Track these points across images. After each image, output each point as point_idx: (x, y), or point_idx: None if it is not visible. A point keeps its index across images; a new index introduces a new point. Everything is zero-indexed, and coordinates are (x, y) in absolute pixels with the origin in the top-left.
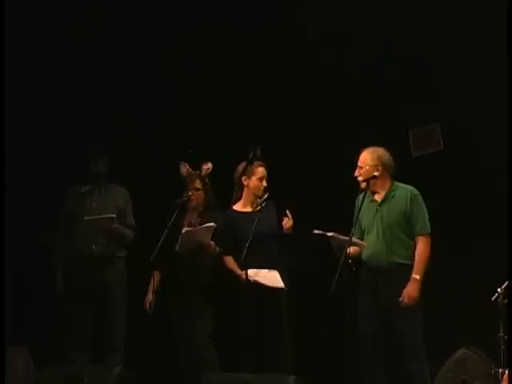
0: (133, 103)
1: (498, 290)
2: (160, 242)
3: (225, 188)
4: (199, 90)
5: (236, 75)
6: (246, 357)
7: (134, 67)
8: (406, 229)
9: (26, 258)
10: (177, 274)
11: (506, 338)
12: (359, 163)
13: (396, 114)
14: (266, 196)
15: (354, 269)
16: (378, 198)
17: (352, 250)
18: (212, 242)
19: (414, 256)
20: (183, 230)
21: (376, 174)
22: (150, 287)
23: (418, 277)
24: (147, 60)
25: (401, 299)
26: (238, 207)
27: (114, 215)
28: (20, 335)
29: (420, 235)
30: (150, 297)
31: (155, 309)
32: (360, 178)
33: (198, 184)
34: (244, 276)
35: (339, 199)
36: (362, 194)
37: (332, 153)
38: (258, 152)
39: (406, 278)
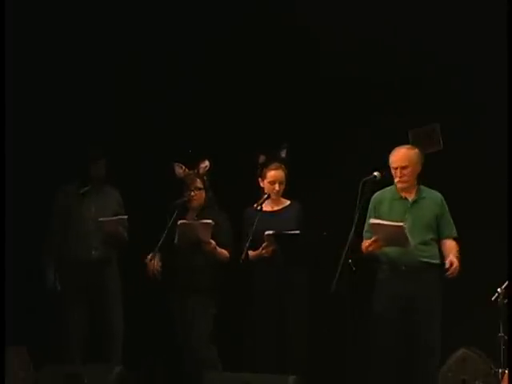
0: (132, 103)
1: (498, 289)
2: (160, 242)
3: (225, 187)
4: (200, 89)
5: (240, 74)
6: (251, 355)
7: (132, 67)
8: (435, 230)
9: (26, 259)
10: (177, 274)
11: (506, 337)
12: (402, 164)
13: (396, 115)
14: (265, 196)
15: (354, 269)
16: (409, 196)
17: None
18: (212, 241)
19: (440, 256)
20: (178, 222)
21: (419, 171)
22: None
23: (456, 256)
24: (146, 60)
25: (447, 266)
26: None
27: (126, 216)
28: (20, 335)
29: (450, 238)
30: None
31: (155, 308)
32: (405, 179)
33: (198, 183)
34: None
35: (351, 199)
36: (375, 195)
37: (341, 153)
38: (282, 153)
39: (434, 277)
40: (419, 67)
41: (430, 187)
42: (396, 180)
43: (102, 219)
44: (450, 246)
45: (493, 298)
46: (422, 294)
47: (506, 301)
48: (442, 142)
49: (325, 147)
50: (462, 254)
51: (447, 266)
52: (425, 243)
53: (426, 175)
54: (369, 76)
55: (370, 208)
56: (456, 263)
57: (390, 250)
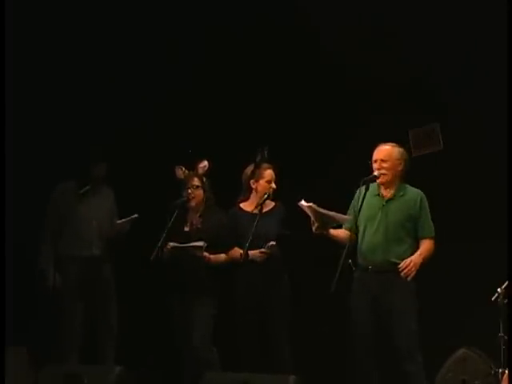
0: (132, 103)
1: (498, 289)
2: (160, 242)
3: (225, 187)
4: (201, 88)
5: (240, 74)
6: (245, 354)
7: (132, 65)
8: (410, 230)
9: (26, 258)
10: (177, 275)
11: (506, 338)
12: (382, 157)
13: (396, 114)
14: (265, 197)
15: (354, 269)
16: (386, 194)
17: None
18: (206, 254)
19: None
20: (169, 245)
21: (399, 169)
22: None
23: (421, 255)
24: (146, 59)
25: (401, 265)
26: (244, 206)
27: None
28: (20, 335)
29: (425, 238)
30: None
31: (155, 308)
32: (384, 172)
33: (196, 181)
34: (240, 256)
35: (346, 198)
36: (364, 187)
37: (338, 153)
38: (266, 154)
39: (401, 278)
40: (419, 67)
41: (429, 188)
42: (374, 173)
43: (119, 222)
44: (422, 246)
45: (493, 298)
46: (389, 295)
47: (506, 301)
48: (441, 141)
49: (323, 147)
50: (462, 254)
51: (402, 264)
52: (396, 242)
53: (426, 175)
54: (369, 76)
55: (354, 199)
56: (412, 262)
57: (364, 248)
